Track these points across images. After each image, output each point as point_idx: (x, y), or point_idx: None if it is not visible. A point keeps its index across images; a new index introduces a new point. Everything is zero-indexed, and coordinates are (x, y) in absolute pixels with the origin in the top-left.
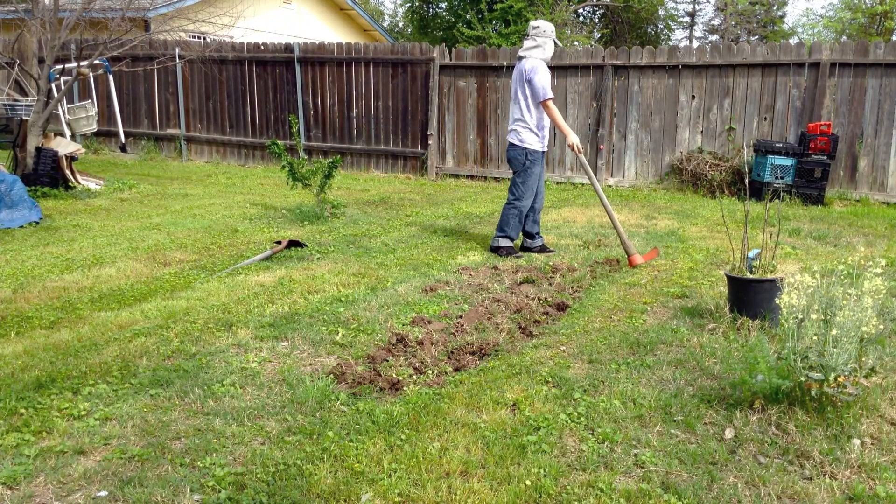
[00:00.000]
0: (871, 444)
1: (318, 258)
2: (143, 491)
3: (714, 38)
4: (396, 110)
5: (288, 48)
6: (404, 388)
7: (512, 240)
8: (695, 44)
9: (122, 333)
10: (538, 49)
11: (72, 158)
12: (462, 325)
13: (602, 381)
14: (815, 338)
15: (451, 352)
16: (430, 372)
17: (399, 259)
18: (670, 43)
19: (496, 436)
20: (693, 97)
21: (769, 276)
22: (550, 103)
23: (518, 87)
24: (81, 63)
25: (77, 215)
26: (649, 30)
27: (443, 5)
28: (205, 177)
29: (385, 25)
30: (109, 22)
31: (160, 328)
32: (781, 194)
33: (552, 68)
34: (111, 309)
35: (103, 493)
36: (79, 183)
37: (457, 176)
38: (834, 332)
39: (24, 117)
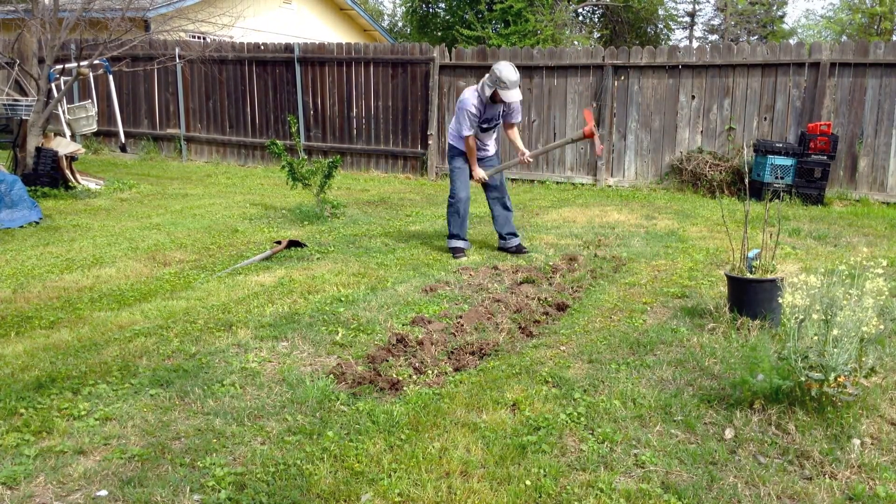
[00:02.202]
0: (871, 444)
1: (318, 258)
2: (143, 491)
3: (714, 38)
4: (396, 110)
5: (288, 48)
6: (404, 388)
7: (458, 238)
8: (695, 44)
9: (122, 333)
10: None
11: (72, 158)
12: (462, 325)
13: (602, 381)
14: (815, 338)
15: (451, 352)
16: (430, 372)
17: (399, 259)
18: (670, 43)
19: (496, 436)
20: (693, 97)
21: (769, 276)
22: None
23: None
24: (81, 63)
25: (77, 215)
26: (649, 30)
27: (442, 5)
28: (205, 177)
29: (385, 25)
30: (109, 22)
31: (160, 328)
32: (781, 194)
33: (551, 68)
34: (111, 309)
35: (103, 493)
36: (79, 183)
37: None
38: (834, 332)
39: (24, 117)
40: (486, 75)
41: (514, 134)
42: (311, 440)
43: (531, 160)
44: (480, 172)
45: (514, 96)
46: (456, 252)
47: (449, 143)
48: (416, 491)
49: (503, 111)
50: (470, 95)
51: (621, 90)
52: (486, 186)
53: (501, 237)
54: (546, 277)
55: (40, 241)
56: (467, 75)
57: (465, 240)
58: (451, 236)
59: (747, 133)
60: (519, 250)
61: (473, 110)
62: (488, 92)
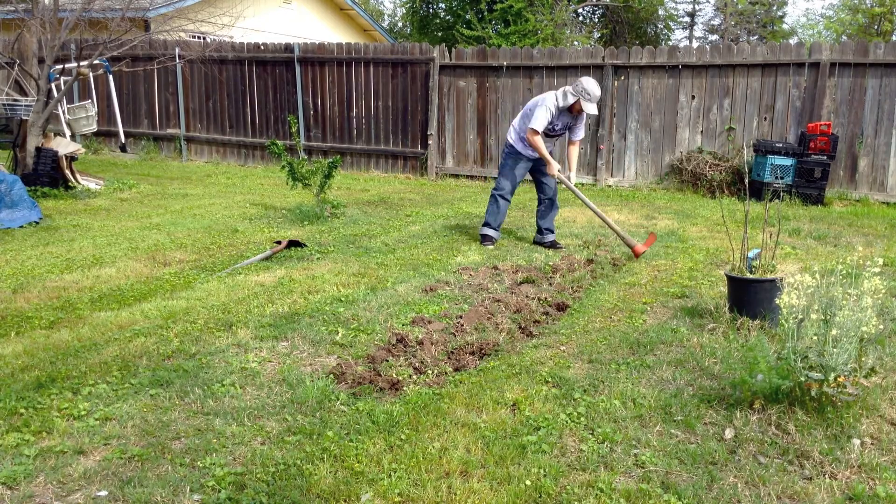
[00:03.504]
0: (871, 444)
1: (318, 258)
2: (143, 491)
3: (714, 38)
4: (396, 110)
5: (288, 48)
6: (404, 388)
7: (490, 227)
8: (695, 44)
9: (122, 333)
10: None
11: (72, 158)
12: (462, 325)
13: (602, 381)
14: (814, 338)
15: (451, 352)
16: (430, 372)
17: (399, 259)
18: (670, 43)
19: (496, 436)
20: (693, 97)
21: (769, 276)
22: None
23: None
24: (81, 63)
25: (77, 215)
26: (649, 30)
27: (442, 5)
28: (205, 177)
29: (385, 25)
30: (109, 22)
31: (160, 328)
32: (781, 194)
33: (551, 68)
34: (111, 309)
35: (103, 493)
36: (79, 183)
37: (457, 176)
38: (834, 332)
39: (24, 117)
40: (568, 86)
41: (573, 154)
42: (311, 440)
43: (555, 174)
44: (556, 167)
45: (592, 109)
46: (484, 239)
47: (507, 141)
48: (416, 491)
49: (569, 125)
50: (550, 96)
51: (621, 90)
52: (539, 185)
53: (539, 231)
54: (546, 277)
55: (40, 241)
56: (467, 75)
57: (497, 230)
58: (485, 224)
59: (747, 133)
60: (553, 245)
61: (553, 108)
62: (571, 100)
